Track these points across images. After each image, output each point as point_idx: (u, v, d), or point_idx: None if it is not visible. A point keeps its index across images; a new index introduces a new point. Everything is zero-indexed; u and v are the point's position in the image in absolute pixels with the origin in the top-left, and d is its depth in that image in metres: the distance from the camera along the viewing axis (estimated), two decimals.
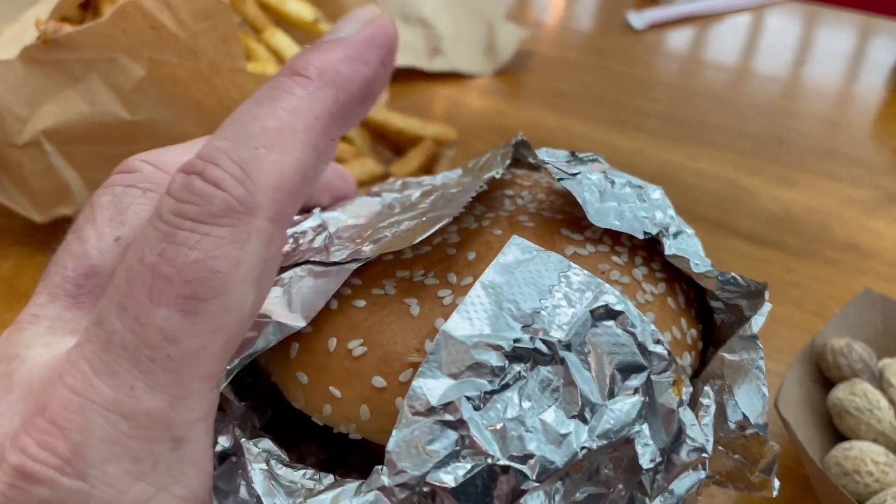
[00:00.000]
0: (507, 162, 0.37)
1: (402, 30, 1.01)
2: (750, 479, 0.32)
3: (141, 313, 0.21)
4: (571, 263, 0.29)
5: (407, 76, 0.96)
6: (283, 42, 0.66)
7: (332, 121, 0.24)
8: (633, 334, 0.28)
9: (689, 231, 0.36)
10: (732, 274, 0.33)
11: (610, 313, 0.28)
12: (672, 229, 0.35)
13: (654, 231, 0.33)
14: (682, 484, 0.29)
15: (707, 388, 0.31)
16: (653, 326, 0.29)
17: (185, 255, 0.21)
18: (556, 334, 0.27)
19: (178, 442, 0.22)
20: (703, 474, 0.30)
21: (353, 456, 0.37)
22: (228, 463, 0.30)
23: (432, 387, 0.26)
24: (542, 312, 0.28)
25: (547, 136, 0.87)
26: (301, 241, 0.35)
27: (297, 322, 0.31)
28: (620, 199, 0.34)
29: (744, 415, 0.31)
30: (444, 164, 0.74)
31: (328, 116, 0.24)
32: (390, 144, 0.75)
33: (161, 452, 0.22)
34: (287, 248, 0.35)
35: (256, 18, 0.67)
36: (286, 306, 0.31)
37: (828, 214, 0.75)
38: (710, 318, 0.37)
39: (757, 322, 0.32)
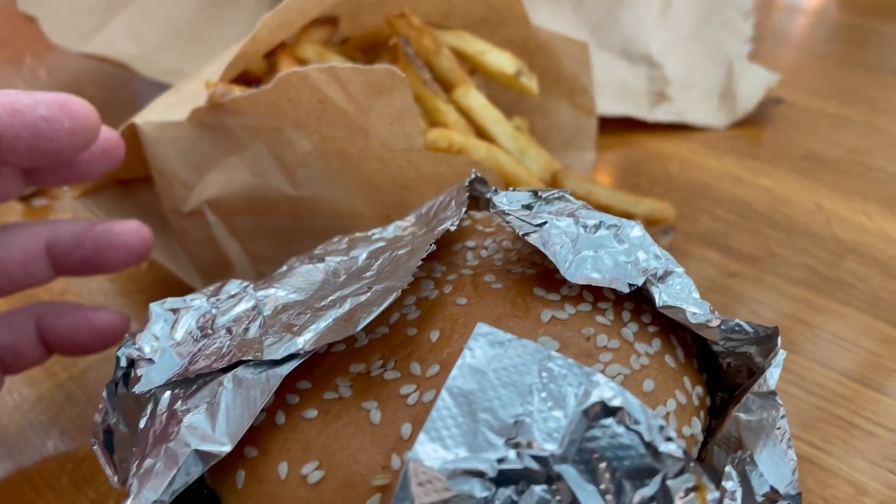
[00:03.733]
0: (463, 210, 0.34)
1: (623, 70, 0.87)
2: None
3: None
4: (551, 353, 0.26)
5: (622, 126, 0.83)
6: (477, 102, 0.57)
7: None
8: (637, 432, 0.25)
9: (679, 269, 0.32)
10: (737, 321, 0.31)
11: (607, 410, 0.25)
12: (659, 271, 0.32)
13: (639, 281, 0.31)
14: None
15: (729, 469, 0.28)
16: (661, 420, 0.25)
17: None
18: (548, 446, 0.24)
19: None
20: None
21: None
22: None
23: None
24: (527, 420, 0.24)
25: (791, 213, 0.70)
26: (235, 332, 0.31)
27: (221, 447, 0.27)
28: (597, 245, 0.32)
29: (771, 486, 0.28)
30: None
31: None
32: None
33: None
34: (219, 342, 0.31)
35: (451, 72, 0.58)
36: (210, 427, 0.28)
37: None
38: (714, 358, 0.34)
39: (773, 375, 0.30)
